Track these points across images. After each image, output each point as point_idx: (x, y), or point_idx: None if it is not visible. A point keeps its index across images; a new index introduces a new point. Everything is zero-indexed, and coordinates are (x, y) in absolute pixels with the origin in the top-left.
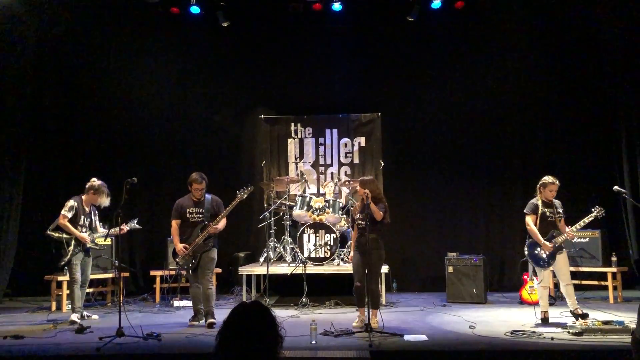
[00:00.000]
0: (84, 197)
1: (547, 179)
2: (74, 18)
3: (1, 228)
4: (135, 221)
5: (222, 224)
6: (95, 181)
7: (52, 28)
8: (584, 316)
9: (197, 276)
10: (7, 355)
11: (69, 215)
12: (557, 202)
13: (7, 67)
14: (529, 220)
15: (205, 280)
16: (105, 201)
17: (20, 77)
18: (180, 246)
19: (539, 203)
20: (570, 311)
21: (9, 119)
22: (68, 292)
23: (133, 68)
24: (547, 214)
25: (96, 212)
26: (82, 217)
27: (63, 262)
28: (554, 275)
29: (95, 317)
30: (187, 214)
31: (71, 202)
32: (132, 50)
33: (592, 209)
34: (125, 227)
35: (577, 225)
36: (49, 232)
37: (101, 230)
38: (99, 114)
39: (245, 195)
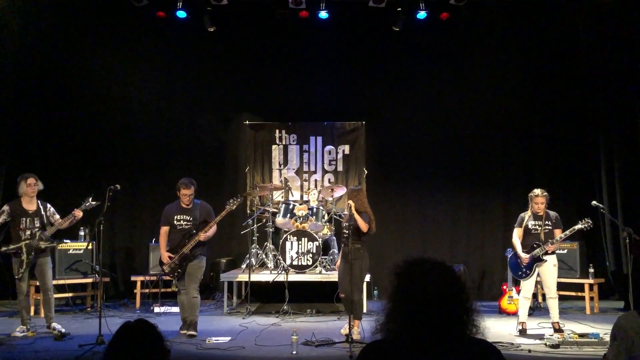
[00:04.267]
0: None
1: (535, 191)
2: (57, 18)
3: None
4: (90, 199)
5: (211, 231)
6: None
7: (35, 27)
8: (560, 331)
9: (184, 284)
10: None
11: None
12: (552, 214)
13: None
14: (515, 232)
15: (190, 289)
16: (24, 189)
17: (1, 77)
18: (165, 255)
19: (526, 216)
20: (551, 323)
21: None
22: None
23: (117, 70)
24: (531, 226)
25: (47, 206)
26: (24, 219)
27: (18, 276)
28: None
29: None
30: (175, 221)
31: (3, 207)
32: (117, 52)
33: (580, 221)
34: (79, 213)
35: (558, 237)
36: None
37: (56, 219)
38: (81, 117)
39: (235, 207)
